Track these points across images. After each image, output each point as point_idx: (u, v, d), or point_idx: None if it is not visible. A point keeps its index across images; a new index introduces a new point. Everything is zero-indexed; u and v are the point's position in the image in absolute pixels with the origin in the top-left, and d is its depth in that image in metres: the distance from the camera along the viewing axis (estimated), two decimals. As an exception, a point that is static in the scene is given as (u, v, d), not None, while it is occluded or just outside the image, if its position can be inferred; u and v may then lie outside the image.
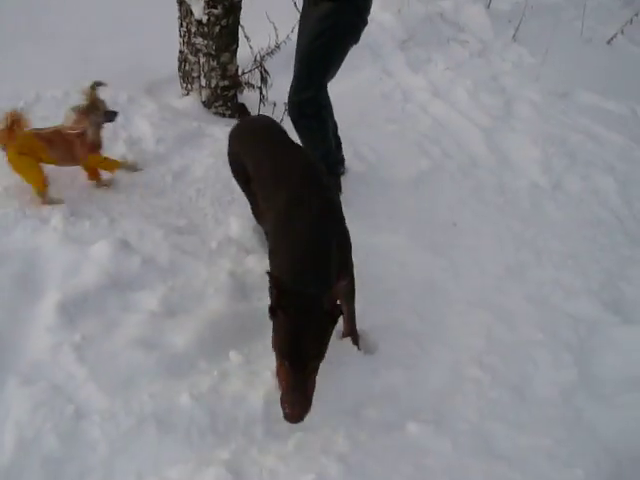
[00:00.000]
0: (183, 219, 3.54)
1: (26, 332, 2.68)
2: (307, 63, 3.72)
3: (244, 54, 4.77)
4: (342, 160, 4.28)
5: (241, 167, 3.08)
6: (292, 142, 3.09)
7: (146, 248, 3.21)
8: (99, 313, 2.82)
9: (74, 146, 3.47)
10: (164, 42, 4.90)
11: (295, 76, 3.78)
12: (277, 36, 4.82)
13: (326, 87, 3.93)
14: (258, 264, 3.20)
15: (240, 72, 4.77)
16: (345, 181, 4.13)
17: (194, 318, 2.88)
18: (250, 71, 4.86)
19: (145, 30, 5.51)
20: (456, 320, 3.21)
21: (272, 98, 4.72)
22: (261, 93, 4.78)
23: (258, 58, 4.83)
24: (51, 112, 4.21)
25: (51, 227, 3.26)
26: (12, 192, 3.47)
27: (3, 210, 3.33)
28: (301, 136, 3.92)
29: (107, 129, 4.09)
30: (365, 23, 3.69)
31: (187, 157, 4.05)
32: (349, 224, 3.74)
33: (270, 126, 3.22)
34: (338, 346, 2.83)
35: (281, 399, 2.16)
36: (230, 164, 3.24)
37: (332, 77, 3.86)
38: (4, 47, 5.06)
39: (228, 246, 3.37)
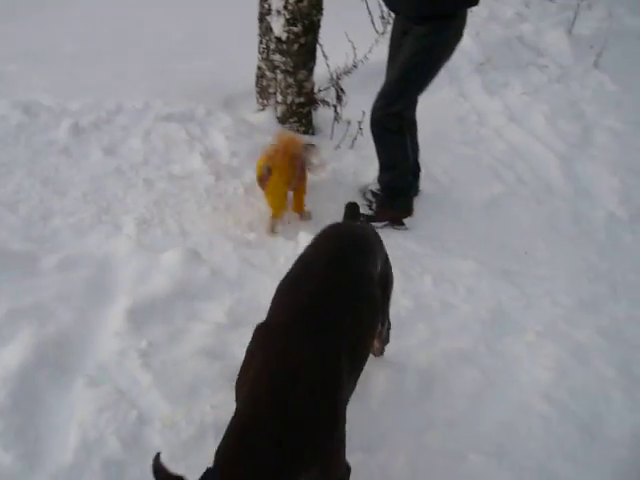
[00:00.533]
0: (252, 233, 3.57)
1: (95, 335, 2.73)
2: (401, 79, 3.68)
3: (321, 72, 4.81)
4: (417, 188, 4.25)
5: None
6: (357, 262, 2.26)
7: (215, 259, 3.25)
8: (166, 321, 2.85)
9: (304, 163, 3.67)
10: (243, 58, 4.99)
11: (384, 91, 3.75)
12: (355, 55, 4.84)
13: (415, 104, 3.91)
14: (325, 281, 3.18)
15: (316, 90, 4.81)
16: (417, 202, 4.09)
17: (259, 332, 2.87)
18: (326, 89, 4.89)
19: (224, 46, 5.65)
20: (525, 351, 3.11)
21: (346, 116, 4.73)
22: (336, 111, 4.80)
23: (334, 76, 4.86)
24: (131, 122, 4.33)
25: (124, 234, 3.34)
26: (90, 198, 3.58)
27: (80, 215, 3.44)
28: (382, 152, 3.91)
29: (184, 141, 4.20)
30: (461, 38, 3.65)
31: (259, 171, 4.08)
32: (418, 246, 3.72)
33: (355, 233, 2.48)
34: (399, 370, 2.79)
35: None
36: None
37: (421, 93, 3.83)
38: (90, 58, 5.27)
39: (296, 262, 3.37)
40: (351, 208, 2.82)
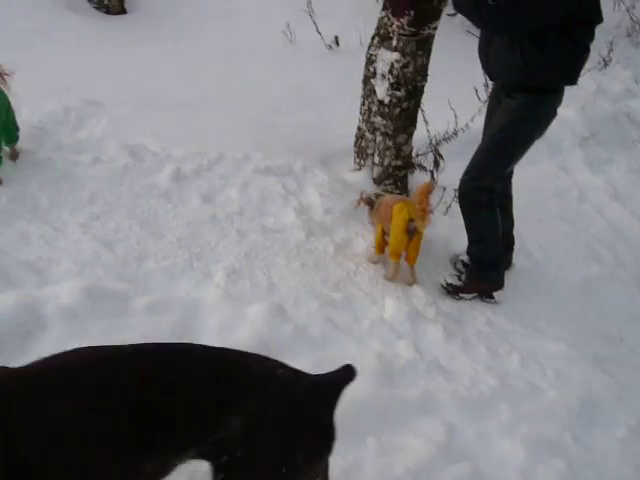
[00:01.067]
0: (339, 293, 3.55)
1: (175, 382, 2.74)
2: (490, 152, 3.62)
3: (420, 136, 4.80)
4: (510, 261, 4.14)
5: None
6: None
7: (300, 316, 3.22)
8: (246, 374, 2.83)
9: None
10: (342, 117, 5.07)
11: (473, 164, 3.68)
12: (456, 123, 4.81)
13: (509, 176, 3.84)
14: (408, 350, 3.12)
15: (414, 154, 4.81)
16: (509, 276, 3.98)
17: (337, 396, 2.82)
18: (424, 154, 4.88)
19: (326, 104, 5.75)
20: (614, 446, 2.91)
21: (442, 182, 4.69)
22: (432, 177, 4.77)
23: (434, 142, 4.85)
24: (230, 172, 4.45)
25: (214, 283, 3.39)
26: (184, 243, 3.67)
27: (173, 259, 3.52)
28: (470, 225, 3.83)
29: (279, 195, 4.27)
30: (554, 116, 3.55)
31: (351, 231, 4.09)
32: (508, 323, 3.61)
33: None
34: (477, 453, 2.67)
35: None
36: None
37: (512, 168, 3.76)
38: (197, 106, 5.45)
39: (380, 327, 3.31)
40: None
